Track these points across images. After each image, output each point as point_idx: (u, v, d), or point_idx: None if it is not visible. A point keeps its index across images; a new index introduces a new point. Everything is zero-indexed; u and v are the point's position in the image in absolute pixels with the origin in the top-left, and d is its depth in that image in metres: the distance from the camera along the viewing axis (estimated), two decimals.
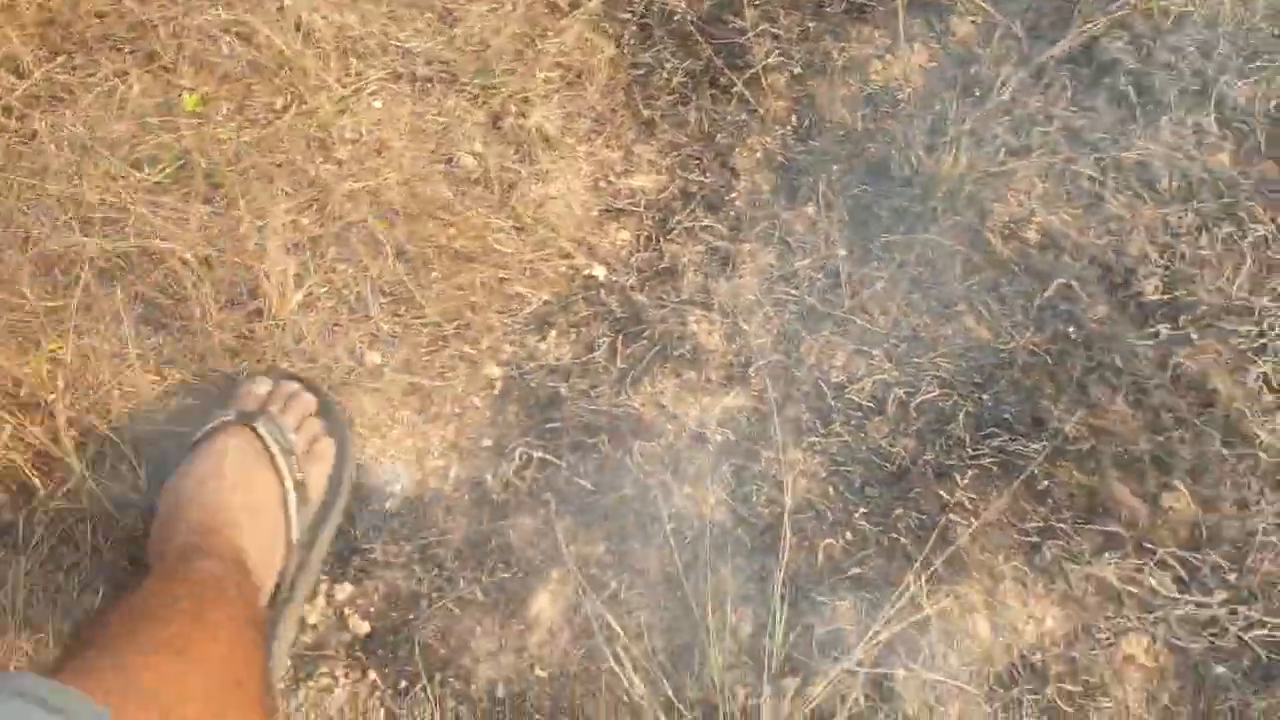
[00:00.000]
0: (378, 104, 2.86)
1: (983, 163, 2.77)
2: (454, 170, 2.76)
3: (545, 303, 2.61)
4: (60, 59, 2.84)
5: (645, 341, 2.57)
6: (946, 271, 2.64)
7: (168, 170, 2.64)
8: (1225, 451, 2.47)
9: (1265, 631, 2.31)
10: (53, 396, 2.23)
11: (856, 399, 2.51)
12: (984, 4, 3.02)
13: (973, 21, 3.00)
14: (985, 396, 2.52)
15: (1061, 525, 2.39)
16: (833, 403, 2.50)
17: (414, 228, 2.62)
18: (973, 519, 2.36)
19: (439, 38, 2.95)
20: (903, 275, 2.64)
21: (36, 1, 2.84)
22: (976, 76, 2.95)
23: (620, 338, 2.56)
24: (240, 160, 2.67)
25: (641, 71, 2.97)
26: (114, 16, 2.88)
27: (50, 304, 2.39)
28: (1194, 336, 2.59)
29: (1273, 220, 2.74)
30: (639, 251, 2.71)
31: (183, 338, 2.47)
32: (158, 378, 2.42)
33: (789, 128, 2.91)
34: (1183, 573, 2.37)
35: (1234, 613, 2.32)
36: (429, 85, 2.91)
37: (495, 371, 2.51)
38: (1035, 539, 2.38)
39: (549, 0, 3.01)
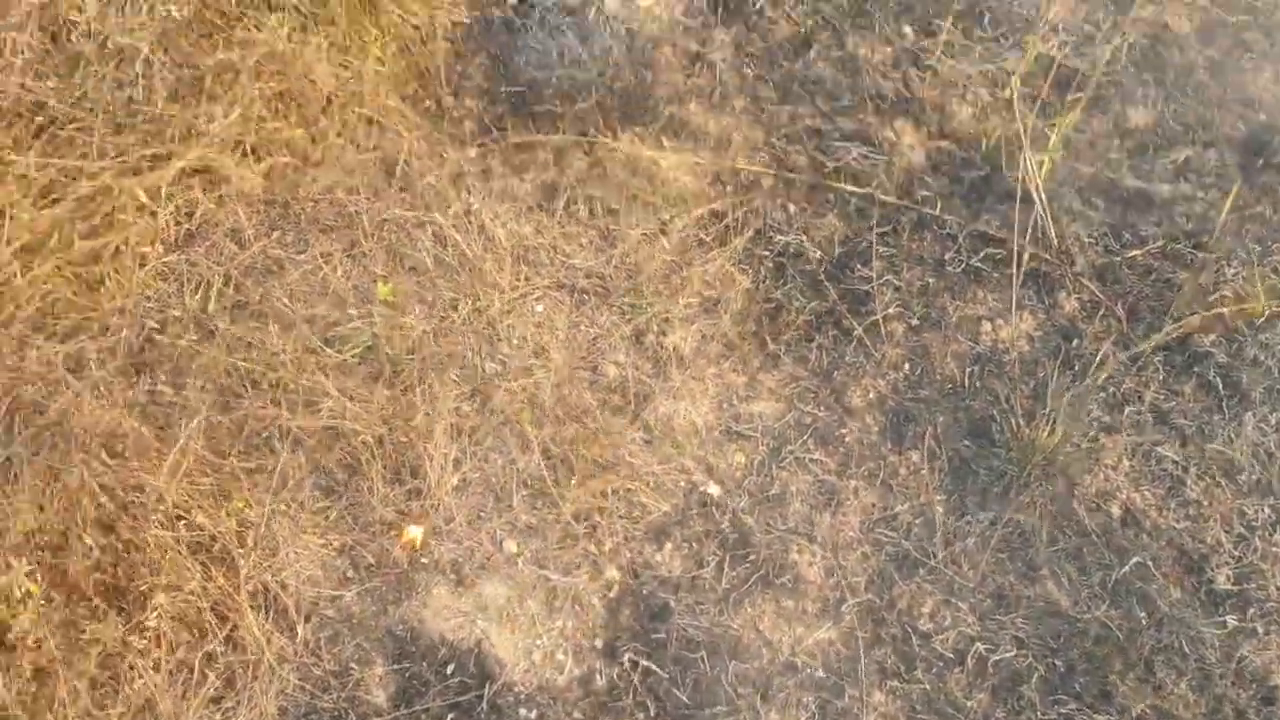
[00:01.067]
0: (540, 308, 3.10)
1: (1077, 436, 2.89)
2: (598, 379, 2.97)
3: (664, 514, 2.78)
4: (276, 234, 3.14)
5: (750, 565, 2.72)
6: (1034, 536, 2.76)
7: (357, 352, 2.89)
8: None
9: None
10: (241, 552, 2.45)
11: (940, 649, 2.63)
12: (1090, 284, 3.18)
13: (1079, 299, 3.16)
14: (1058, 662, 2.61)
15: None
16: (918, 649, 2.62)
17: (559, 430, 2.83)
18: None
19: (600, 255, 3.20)
20: (994, 534, 2.77)
21: (263, 178, 3.14)
22: (1077, 351, 3.10)
23: (728, 558, 2.72)
24: (419, 349, 2.91)
25: (772, 306, 3.17)
26: (326, 203, 3.17)
27: (246, 465, 2.63)
28: (1261, 631, 2.66)
29: None
30: (752, 475, 2.88)
31: (350, 509, 2.69)
32: (324, 542, 2.63)
33: (902, 374, 3.08)
34: None
35: None
36: (586, 297, 3.15)
37: (614, 575, 2.68)
38: None
39: (698, 234, 3.23)
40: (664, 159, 3.39)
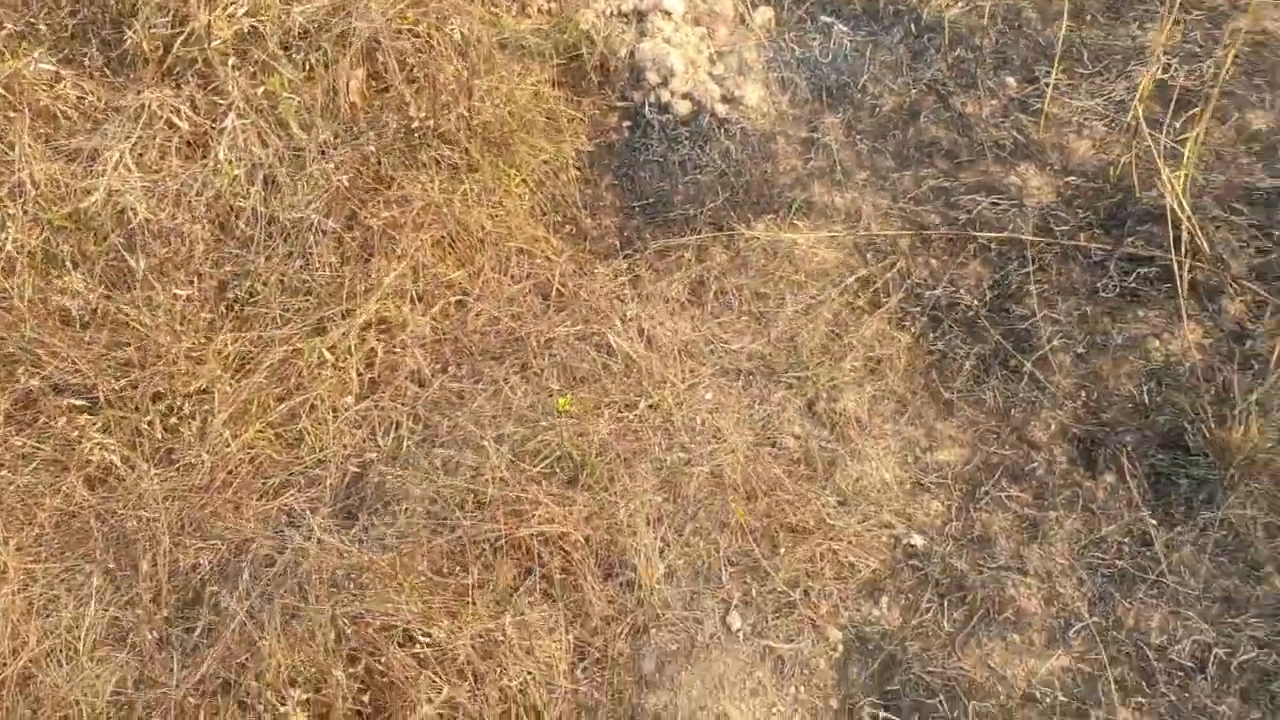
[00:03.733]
0: (709, 395, 3.34)
1: (1273, 431, 2.99)
2: (780, 452, 3.17)
3: (874, 570, 2.94)
4: (451, 369, 3.45)
5: (969, 606, 2.85)
6: (1250, 535, 2.84)
7: (550, 461, 3.15)
8: None
9: None
10: (488, 664, 2.68)
11: (1177, 659, 2.70)
12: (1252, 285, 3.30)
13: (1243, 301, 3.28)
14: None
15: None
16: (1155, 663, 2.70)
17: (754, 505, 3.03)
18: None
19: (759, 338, 3.44)
20: (1209, 539, 2.86)
21: (432, 321, 3.48)
22: (1252, 350, 3.21)
23: (946, 603, 2.86)
24: (605, 451, 3.16)
25: (936, 357, 3.36)
26: (492, 334, 3.49)
27: (466, 581, 2.88)
28: None
29: None
30: (952, 520, 3.02)
31: (569, 608, 2.91)
32: (553, 641, 2.84)
33: (1079, 402, 3.22)
34: None
35: None
36: (751, 377, 3.38)
37: (836, 635, 2.83)
38: None
39: (849, 301, 3.46)
40: (801, 238, 3.65)
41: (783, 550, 2.96)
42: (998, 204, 3.70)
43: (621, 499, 3.07)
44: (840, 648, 2.83)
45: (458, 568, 2.94)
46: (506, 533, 2.91)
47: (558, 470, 3.16)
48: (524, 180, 3.79)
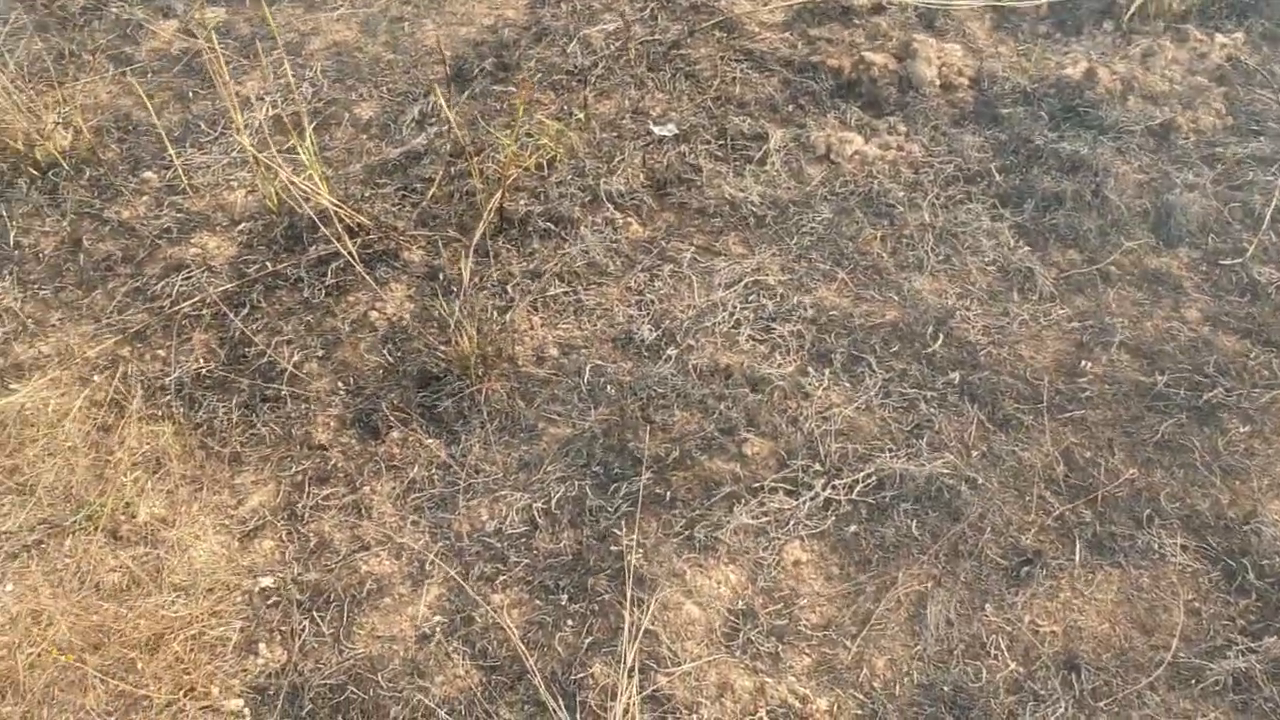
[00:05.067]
0: (9, 587, 3.14)
1: (486, 327, 3.48)
2: (104, 592, 3.08)
3: (241, 630, 2.98)
4: None
5: (336, 605, 3.00)
6: (514, 407, 3.30)
7: None
8: (773, 401, 3.26)
9: (862, 484, 3.08)
10: None
11: (513, 530, 3.08)
12: (418, 231, 3.80)
13: (420, 247, 3.77)
14: (596, 468, 3.17)
15: (700, 512, 3.06)
16: (499, 544, 3.05)
17: (104, 650, 2.92)
18: (643, 548, 2.98)
19: (26, 507, 3.28)
20: (489, 430, 3.27)
21: None
22: (445, 279, 3.70)
23: (313, 615, 2.98)
24: None
25: (205, 427, 3.45)
26: None
27: None
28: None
29: None
30: (288, 546, 3.15)
31: None
32: None
33: (341, 392, 3.50)
34: (790, 486, 3.11)
35: (836, 487, 3.08)
36: (41, 546, 3.22)
37: (237, 703, 2.84)
38: (687, 533, 3.03)
39: (96, 423, 3.42)
40: (18, 398, 3.53)
41: (145, 668, 2.88)
42: (190, 276, 3.85)
43: None
44: (246, 712, 2.82)
45: None
46: None
47: None
48: None
